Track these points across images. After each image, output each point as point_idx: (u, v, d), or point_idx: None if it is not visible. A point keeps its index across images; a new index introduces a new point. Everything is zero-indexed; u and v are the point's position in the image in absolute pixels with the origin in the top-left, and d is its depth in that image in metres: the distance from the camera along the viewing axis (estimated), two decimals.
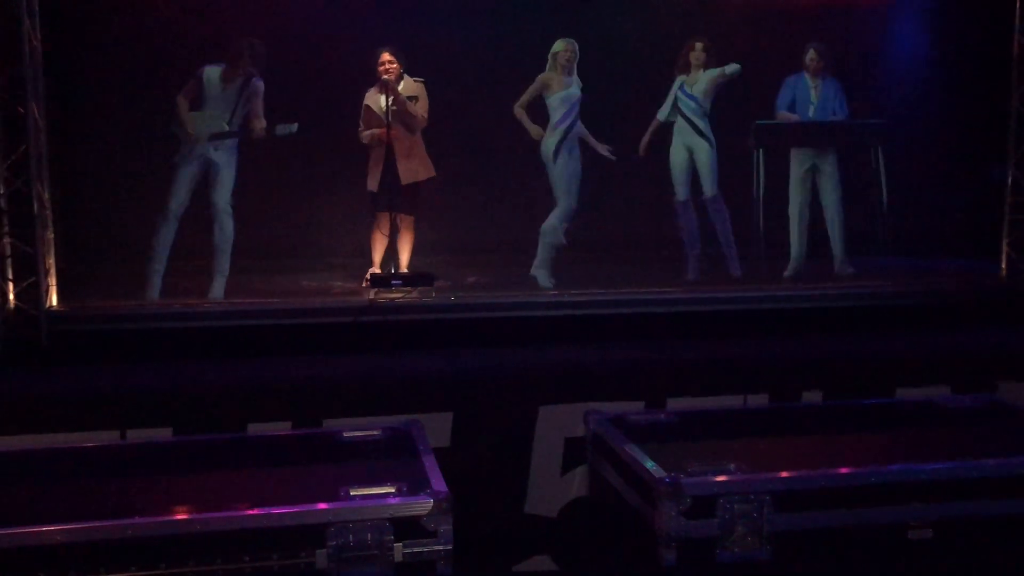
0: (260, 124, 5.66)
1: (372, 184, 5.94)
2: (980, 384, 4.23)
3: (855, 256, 6.41)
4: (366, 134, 5.92)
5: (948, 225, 7.13)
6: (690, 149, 6.35)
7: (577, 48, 6.13)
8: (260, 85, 5.69)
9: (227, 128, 5.61)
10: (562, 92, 6.11)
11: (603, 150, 6.23)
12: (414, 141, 5.93)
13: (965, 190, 7.09)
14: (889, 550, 3.07)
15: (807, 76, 6.39)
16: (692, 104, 6.30)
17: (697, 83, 6.28)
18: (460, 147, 6.70)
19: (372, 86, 5.93)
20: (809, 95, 6.37)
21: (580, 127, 6.18)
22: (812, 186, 6.37)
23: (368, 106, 5.93)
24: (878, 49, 7.38)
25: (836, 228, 6.37)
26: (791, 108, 6.40)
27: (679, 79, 6.35)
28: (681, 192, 6.39)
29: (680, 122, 6.34)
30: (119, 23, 6.61)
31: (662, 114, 6.40)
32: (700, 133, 6.31)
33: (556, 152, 6.11)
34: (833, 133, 6.46)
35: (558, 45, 6.12)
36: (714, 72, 6.25)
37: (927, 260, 6.83)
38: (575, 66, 6.14)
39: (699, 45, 6.28)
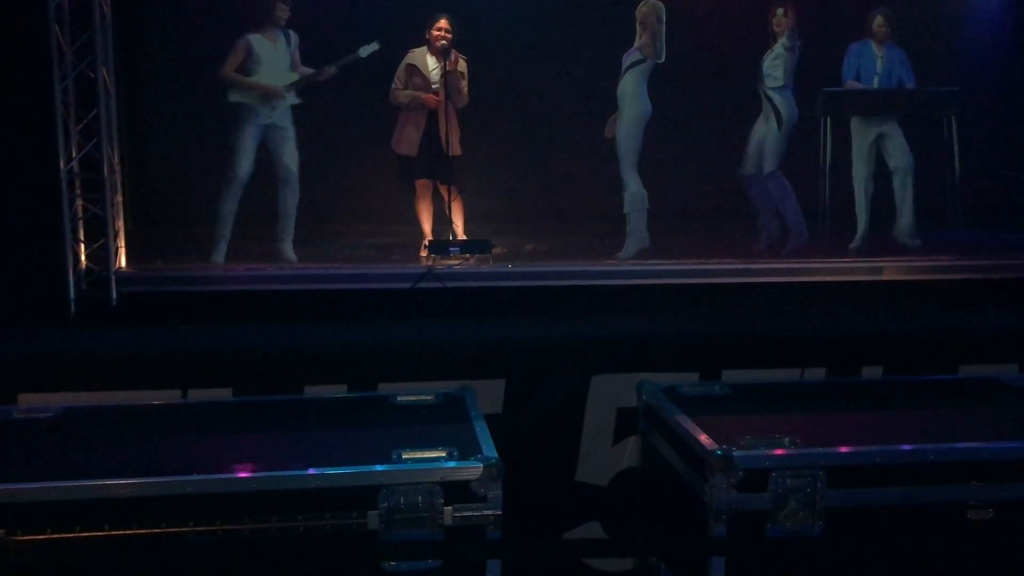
0: (305, 70, 5.90)
1: (407, 148, 5.87)
2: None
3: (925, 229, 6.23)
4: (405, 93, 5.86)
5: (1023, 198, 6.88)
6: (766, 122, 6.20)
7: (662, 11, 5.96)
8: (296, 36, 5.91)
9: (299, 77, 5.76)
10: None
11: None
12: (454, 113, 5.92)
13: None
14: (947, 530, 3.01)
15: (873, 44, 6.19)
16: (766, 76, 6.15)
17: (773, 54, 6.13)
18: (521, 114, 6.66)
19: (417, 48, 5.88)
20: (875, 64, 6.18)
21: (624, 87, 6.02)
22: (877, 156, 6.21)
23: (415, 66, 5.86)
24: (951, 12, 7.09)
25: (904, 197, 6.19)
26: (857, 78, 6.22)
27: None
28: (751, 165, 6.23)
29: (760, 93, 6.21)
30: None
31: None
32: (773, 106, 6.17)
33: None
34: (904, 101, 6.28)
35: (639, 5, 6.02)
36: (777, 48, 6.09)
37: (1000, 234, 6.61)
38: (655, 27, 5.96)
39: (779, 11, 6.11)
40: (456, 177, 5.90)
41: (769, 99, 6.16)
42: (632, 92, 5.95)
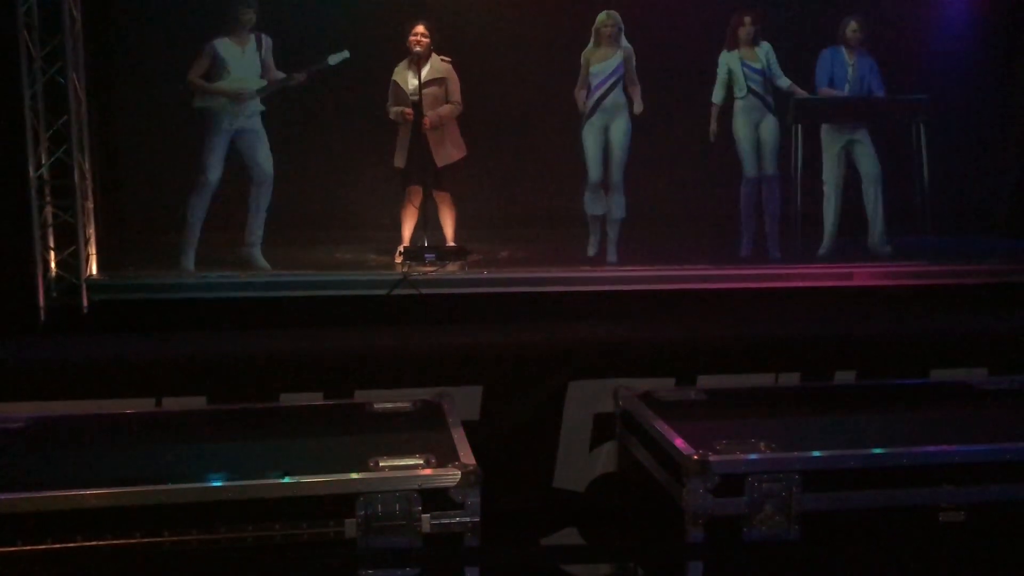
0: (278, 75, 5.81)
1: (400, 161, 5.88)
2: (1019, 366, 4.15)
3: (894, 235, 6.30)
4: (394, 111, 5.85)
5: (991, 204, 6.99)
6: (759, 124, 6.23)
7: (619, 20, 5.99)
8: (269, 40, 5.79)
9: (266, 83, 5.72)
10: (598, 64, 6.03)
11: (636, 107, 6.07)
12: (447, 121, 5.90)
13: (1009, 168, 6.93)
14: (920, 532, 3.05)
15: (844, 51, 6.25)
16: (760, 78, 6.20)
17: (758, 58, 6.18)
18: (494, 120, 6.65)
19: (402, 60, 5.87)
20: (846, 71, 6.24)
21: (615, 98, 6.03)
22: (848, 162, 6.28)
23: (396, 82, 5.85)
24: (920, 21, 7.17)
25: (874, 204, 6.24)
26: (830, 85, 6.28)
27: (731, 55, 6.21)
28: (753, 168, 6.25)
29: (750, 98, 6.20)
30: None
31: (718, 96, 6.27)
32: (769, 108, 6.22)
33: (583, 126, 6.07)
34: (874, 109, 6.34)
35: (599, 18, 6.02)
36: (766, 47, 6.17)
37: (969, 239, 6.70)
38: (621, 37, 6.01)
39: (747, 19, 6.16)
40: (444, 183, 5.89)
41: (764, 100, 6.21)
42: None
